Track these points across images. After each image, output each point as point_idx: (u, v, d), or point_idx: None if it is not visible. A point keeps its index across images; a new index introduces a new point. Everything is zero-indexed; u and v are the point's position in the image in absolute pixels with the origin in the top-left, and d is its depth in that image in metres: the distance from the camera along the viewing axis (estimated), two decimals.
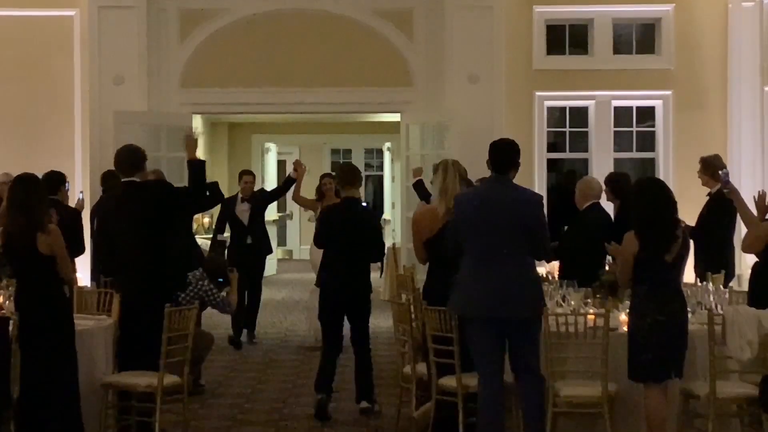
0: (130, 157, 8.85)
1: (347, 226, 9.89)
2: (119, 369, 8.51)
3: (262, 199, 14.68)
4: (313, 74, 15.55)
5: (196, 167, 8.88)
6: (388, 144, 25.88)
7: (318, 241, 10.34)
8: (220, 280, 10.77)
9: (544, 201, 8.53)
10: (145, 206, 8.65)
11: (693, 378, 7.85)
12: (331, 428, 9.39)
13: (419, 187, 12.42)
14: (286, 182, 14.50)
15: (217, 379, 11.59)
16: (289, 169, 14.48)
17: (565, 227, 10.52)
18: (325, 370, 9.93)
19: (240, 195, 14.44)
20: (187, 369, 8.51)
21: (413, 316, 8.99)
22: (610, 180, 11.21)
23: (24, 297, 7.77)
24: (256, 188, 14.95)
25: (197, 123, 19.55)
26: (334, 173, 14.63)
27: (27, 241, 7.65)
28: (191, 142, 9.04)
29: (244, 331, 14.18)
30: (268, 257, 15.40)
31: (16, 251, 7.79)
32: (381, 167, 28.79)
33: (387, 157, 26.84)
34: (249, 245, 14.13)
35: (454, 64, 15.26)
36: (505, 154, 7.76)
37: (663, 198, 7.64)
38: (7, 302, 8.10)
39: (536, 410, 7.62)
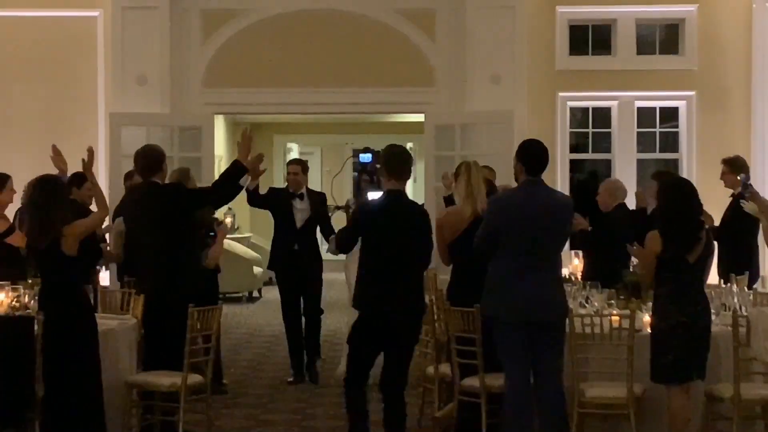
0: (148, 159, 8.91)
1: (394, 228, 7.83)
2: (143, 368, 8.54)
3: (321, 203, 12.03)
4: (334, 74, 15.55)
5: (239, 171, 8.81)
6: (410, 144, 25.84)
7: (346, 243, 8.26)
8: (212, 234, 10.61)
9: None
10: (164, 208, 8.72)
11: (717, 380, 7.83)
12: None
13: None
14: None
15: (240, 379, 11.61)
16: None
17: (589, 228, 10.49)
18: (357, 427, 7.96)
19: (290, 189, 11.84)
20: (211, 369, 8.54)
21: (436, 316, 8.99)
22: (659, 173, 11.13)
23: (47, 297, 7.79)
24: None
25: (219, 123, 19.59)
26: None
27: (48, 241, 7.67)
28: (245, 142, 8.91)
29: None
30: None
31: (38, 252, 7.82)
32: None
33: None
34: (295, 252, 11.63)
35: (476, 64, 15.23)
36: (541, 157, 7.72)
37: (688, 198, 7.62)
38: (32, 302, 8.12)
39: (559, 422, 7.54)
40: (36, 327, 7.66)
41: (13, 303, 8.18)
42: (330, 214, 11.85)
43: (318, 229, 11.76)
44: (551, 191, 7.84)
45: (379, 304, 7.75)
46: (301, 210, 11.71)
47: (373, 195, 8.05)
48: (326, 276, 11.99)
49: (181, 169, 10.92)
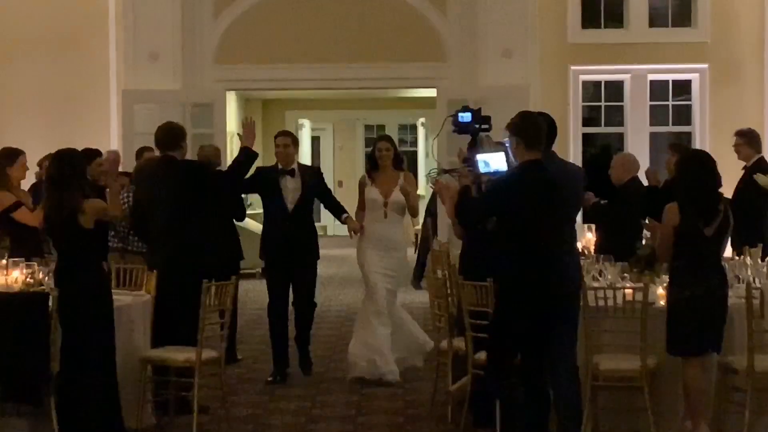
0: (167, 134, 9.09)
1: (551, 194, 7.23)
2: (157, 344, 8.56)
3: (316, 177, 10.63)
4: (346, 50, 15.54)
5: (249, 157, 9.28)
6: (422, 119, 25.84)
7: (472, 218, 7.58)
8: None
9: None
10: (177, 183, 8.88)
11: (731, 352, 7.81)
12: (367, 402, 9.41)
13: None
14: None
15: (254, 354, 11.63)
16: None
17: (601, 201, 10.48)
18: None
19: (279, 165, 10.42)
20: (225, 344, 8.57)
21: (449, 290, 8.99)
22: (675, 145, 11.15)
23: (63, 272, 7.82)
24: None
25: (231, 100, 19.59)
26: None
27: (65, 216, 7.70)
28: (249, 130, 9.38)
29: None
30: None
31: (55, 227, 7.85)
32: (415, 143, 28.72)
33: (421, 132, 26.79)
34: (288, 236, 10.24)
35: (488, 38, 15.22)
36: (554, 128, 7.74)
37: (706, 171, 7.60)
38: (46, 278, 8.14)
39: (573, 407, 7.51)
40: (51, 303, 7.69)
41: (28, 279, 8.20)
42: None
43: (321, 207, 10.86)
44: (566, 161, 7.86)
45: (541, 276, 7.18)
46: (292, 190, 10.26)
47: (486, 157, 7.19)
48: (337, 252, 11.97)
49: (214, 147, 10.96)
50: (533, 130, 7.26)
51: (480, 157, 7.51)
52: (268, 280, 10.49)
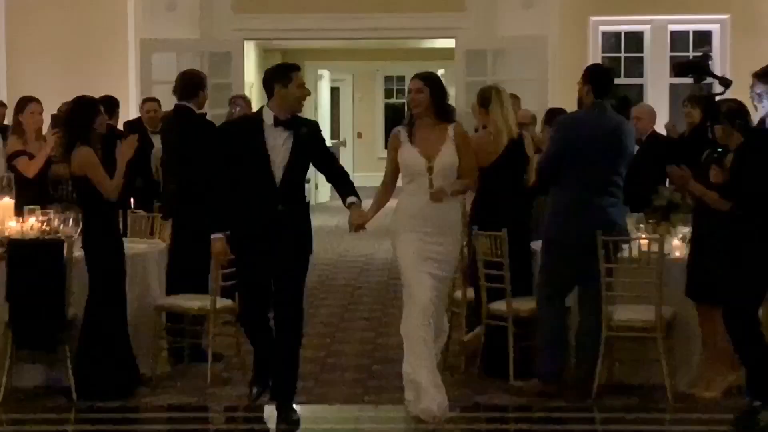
0: (185, 82, 9.02)
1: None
2: (172, 292, 8.58)
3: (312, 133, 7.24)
4: None
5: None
6: (441, 71, 25.69)
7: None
8: None
9: None
10: (176, 133, 8.88)
11: None
12: (380, 352, 9.40)
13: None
14: None
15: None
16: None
17: None
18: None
19: (264, 120, 7.10)
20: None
21: (463, 242, 8.97)
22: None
23: (85, 220, 7.89)
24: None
25: (249, 50, 19.52)
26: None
27: (67, 161, 7.81)
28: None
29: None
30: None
31: (71, 174, 7.93)
32: None
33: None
34: (280, 212, 7.06)
35: None
36: (609, 79, 7.94)
37: None
38: (62, 226, 8.17)
39: (593, 345, 7.74)
40: (65, 250, 7.72)
41: (44, 227, 8.23)
42: None
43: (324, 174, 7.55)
44: (616, 115, 7.95)
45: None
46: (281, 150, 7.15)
47: None
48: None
49: (244, 96, 10.92)
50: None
51: None
52: (240, 281, 7.48)
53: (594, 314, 7.75)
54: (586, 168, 7.65)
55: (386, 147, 7.66)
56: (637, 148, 10.15)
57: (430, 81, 7.30)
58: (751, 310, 7.11)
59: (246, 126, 7.31)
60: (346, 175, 7.45)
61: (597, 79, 7.83)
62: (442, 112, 7.26)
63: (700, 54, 8.05)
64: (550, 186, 7.89)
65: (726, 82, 7.76)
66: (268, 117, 7.06)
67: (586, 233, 7.56)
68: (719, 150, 7.37)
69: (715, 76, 7.92)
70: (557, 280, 7.82)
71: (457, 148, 7.22)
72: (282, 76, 7.09)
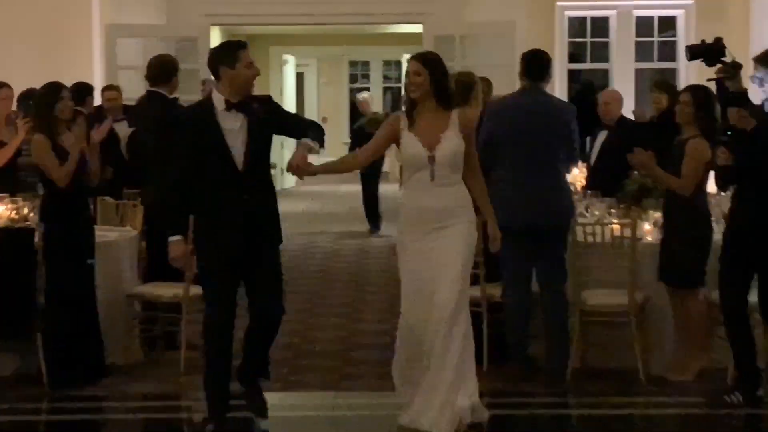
0: (155, 68, 9.03)
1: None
2: (144, 280, 8.54)
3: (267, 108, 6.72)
4: None
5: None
6: (406, 56, 25.70)
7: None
8: None
9: None
10: (156, 120, 8.70)
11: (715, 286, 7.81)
12: (354, 350, 9.38)
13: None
14: None
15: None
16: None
17: (587, 138, 10.44)
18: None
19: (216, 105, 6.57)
20: None
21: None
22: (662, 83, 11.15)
23: (47, 206, 7.83)
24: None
25: (216, 35, 19.43)
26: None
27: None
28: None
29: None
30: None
31: None
32: (399, 79, 28.66)
33: (405, 68, 26.68)
34: (246, 201, 6.56)
35: None
36: (543, 62, 7.91)
37: None
38: (31, 214, 8.12)
39: (559, 327, 7.81)
40: (36, 238, 7.67)
41: (12, 215, 8.17)
42: None
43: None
44: (551, 97, 8.03)
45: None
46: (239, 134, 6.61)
47: None
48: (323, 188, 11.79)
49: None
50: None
51: None
52: (207, 280, 6.90)
53: (550, 292, 7.79)
54: (519, 151, 7.69)
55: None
56: (606, 133, 10.27)
57: (430, 62, 6.70)
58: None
59: (198, 114, 6.66)
60: (316, 123, 6.92)
61: (527, 63, 7.88)
62: (444, 96, 6.65)
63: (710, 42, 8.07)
64: (490, 172, 7.62)
65: (736, 65, 7.82)
66: (219, 102, 6.51)
67: (527, 216, 7.61)
68: (728, 132, 7.39)
69: (725, 63, 7.96)
70: (510, 265, 7.80)
71: (464, 136, 6.63)
72: (227, 57, 6.49)
